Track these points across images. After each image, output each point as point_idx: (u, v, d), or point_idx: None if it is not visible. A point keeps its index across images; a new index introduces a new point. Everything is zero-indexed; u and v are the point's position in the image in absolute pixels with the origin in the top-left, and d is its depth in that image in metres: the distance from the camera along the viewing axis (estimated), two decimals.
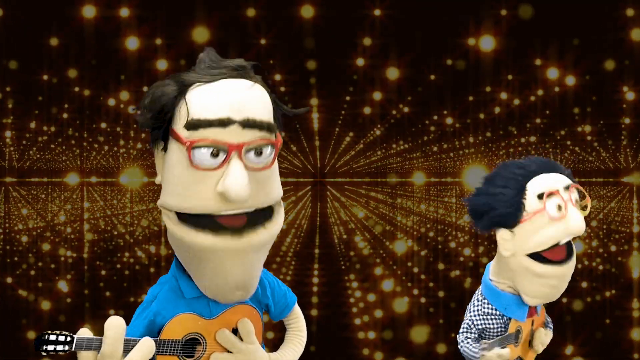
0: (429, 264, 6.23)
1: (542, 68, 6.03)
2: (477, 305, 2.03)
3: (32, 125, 7.72)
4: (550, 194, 1.85)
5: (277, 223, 1.39)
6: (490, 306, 2.00)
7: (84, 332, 1.29)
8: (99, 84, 6.41)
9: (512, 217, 1.90)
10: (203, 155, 1.27)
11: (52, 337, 1.27)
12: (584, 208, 1.90)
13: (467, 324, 2.02)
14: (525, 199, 1.89)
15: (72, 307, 4.67)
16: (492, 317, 2.00)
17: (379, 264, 6.24)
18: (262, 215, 1.36)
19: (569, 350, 3.85)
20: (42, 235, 7.81)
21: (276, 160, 1.39)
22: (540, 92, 6.43)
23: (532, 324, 2.03)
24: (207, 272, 1.37)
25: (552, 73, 6.00)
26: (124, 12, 5.17)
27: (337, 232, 8.80)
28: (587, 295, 4.92)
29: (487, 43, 5.84)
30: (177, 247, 1.41)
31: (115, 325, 1.28)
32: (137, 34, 5.40)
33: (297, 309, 1.67)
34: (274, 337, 1.70)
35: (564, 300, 4.70)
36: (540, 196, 1.86)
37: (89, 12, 5.26)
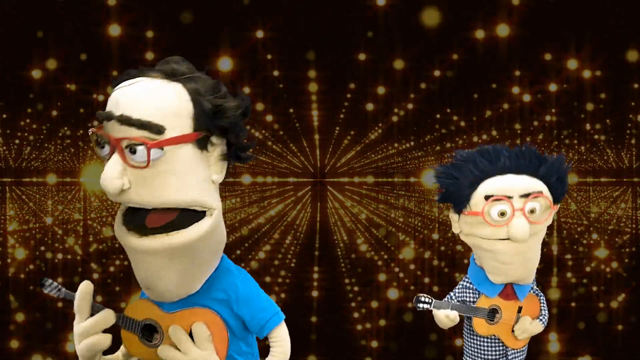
0: (432, 268, 6.15)
1: (553, 62, 5.93)
2: (462, 281, 2.22)
3: (24, 123, 7.66)
4: (497, 199, 1.93)
5: (188, 233, 1.40)
6: (469, 281, 2.19)
7: (83, 287, 1.50)
8: (88, 80, 6.32)
9: (458, 206, 2.06)
10: (97, 144, 1.40)
11: (48, 282, 1.55)
12: (532, 211, 1.93)
13: (449, 294, 2.23)
14: (472, 195, 2.00)
15: (61, 312, 4.58)
16: (469, 290, 2.18)
17: (380, 266, 6.16)
18: (187, 222, 1.41)
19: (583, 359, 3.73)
20: (34, 237, 7.73)
21: (184, 163, 1.40)
22: (552, 88, 6.30)
23: (519, 311, 2.12)
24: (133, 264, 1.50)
25: (572, 64, 5.88)
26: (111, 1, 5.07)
27: (338, 232, 8.74)
28: (599, 301, 4.84)
29: (495, 35, 5.73)
30: None
31: (82, 288, 1.49)
32: (120, 23, 5.31)
33: (281, 331, 1.60)
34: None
35: (573, 304, 4.61)
36: (487, 197, 1.95)
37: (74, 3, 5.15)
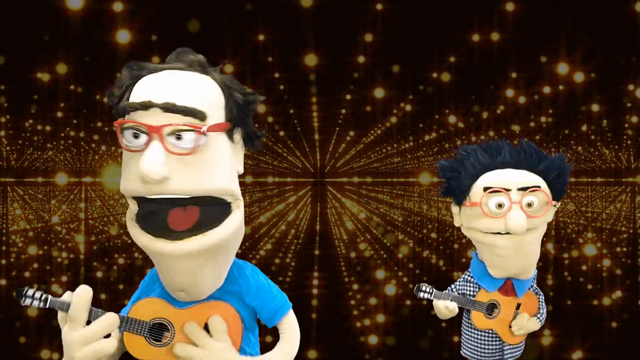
0: (431, 266, 6.19)
1: (549, 65, 5.98)
2: (464, 275, 2.23)
3: (27, 124, 7.69)
4: (494, 192, 1.96)
5: (223, 230, 1.39)
6: (471, 275, 2.19)
7: (65, 296, 1.42)
8: (93, 81, 6.36)
9: (458, 198, 2.08)
10: (128, 136, 1.33)
11: (30, 292, 1.40)
12: (529, 205, 1.95)
13: (450, 287, 2.23)
14: (472, 187, 2.03)
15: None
16: (470, 284, 2.18)
17: (379, 265, 6.18)
18: (213, 219, 1.38)
19: (576, 355, 3.79)
20: (38, 236, 7.73)
21: (218, 151, 1.39)
22: (547, 90, 6.36)
23: (518, 308, 2.15)
24: (158, 268, 1.45)
25: (562, 68, 5.94)
26: (117, 6, 5.11)
27: (337, 232, 8.75)
28: (593, 298, 4.88)
29: (490, 41, 5.80)
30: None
31: (80, 293, 1.40)
32: (129, 29, 5.35)
33: (289, 317, 1.61)
34: (272, 341, 1.61)
35: (569, 302, 4.64)
36: (486, 189, 1.98)
37: (76, 3, 5.19)
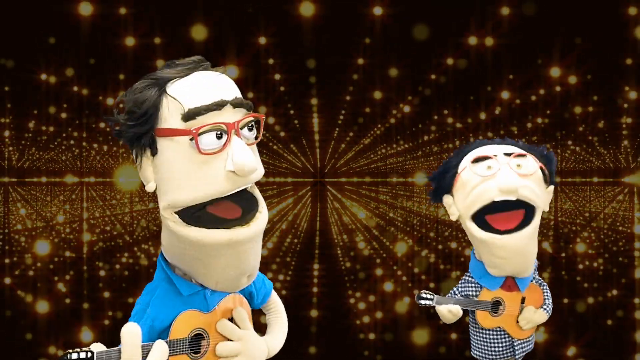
0: (429, 265, 6.23)
1: (544, 67, 6.05)
2: (464, 276, 2.21)
3: (31, 125, 7.73)
4: (483, 158, 1.96)
5: (264, 206, 1.45)
6: (471, 275, 2.17)
7: (100, 346, 1.32)
8: (98, 83, 6.41)
9: (449, 180, 2.06)
10: (209, 139, 1.32)
11: (74, 356, 1.28)
12: (518, 166, 1.92)
13: (452, 289, 2.21)
14: (459, 166, 2.03)
15: (70, 308, 4.66)
16: (471, 284, 2.16)
17: (379, 264, 6.21)
18: (248, 202, 1.41)
19: (571, 351, 3.84)
20: (41, 236, 7.77)
21: None
22: (542, 92, 6.43)
23: (523, 302, 2.12)
24: (219, 267, 1.41)
25: (555, 72, 6.01)
26: (122, 10, 5.18)
27: (337, 231, 8.77)
28: (589, 296, 4.91)
29: (485, 42, 5.87)
30: (182, 249, 1.41)
31: (131, 332, 1.30)
32: (134, 33, 5.41)
33: (274, 294, 1.73)
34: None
35: (565, 300, 4.65)
36: (474, 160, 1.98)
37: (85, 9, 5.25)
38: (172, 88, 1.36)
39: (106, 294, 4.89)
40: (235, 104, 1.35)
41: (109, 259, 6.30)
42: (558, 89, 6.34)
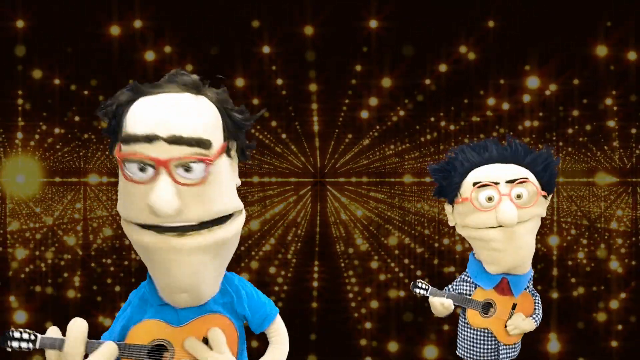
0: (424, 260, 6.27)
1: (526, 76, 6.22)
2: (462, 275, 2.24)
3: (44, 127, 7.82)
4: (483, 186, 1.95)
5: (228, 229, 1.37)
6: (468, 275, 2.20)
7: (52, 332, 1.32)
8: (115, 90, 6.55)
9: (450, 196, 2.09)
10: (133, 168, 1.27)
11: (17, 335, 1.29)
12: (519, 196, 1.93)
13: (448, 286, 2.24)
14: (462, 184, 2.03)
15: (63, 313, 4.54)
16: (466, 283, 2.18)
17: (377, 261, 6.30)
18: (215, 222, 1.35)
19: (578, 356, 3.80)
20: (34, 237, 7.74)
21: (222, 173, 1.36)
22: (526, 98, 6.61)
23: (514, 308, 2.12)
24: (156, 271, 1.37)
25: (533, 82, 6.21)
26: (137, 23, 5.36)
27: (337, 230, 8.83)
28: (599, 301, 4.80)
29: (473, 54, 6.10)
30: (135, 247, 1.40)
31: (76, 326, 1.30)
32: (152, 46, 5.57)
33: (278, 322, 1.64)
34: (258, 346, 1.64)
35: (573, 305, 4.63)
36: (475, 184, 1.97)
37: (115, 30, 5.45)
38: (135, 104, 1.32)
39: (99, 298, 4.77)
40: (171, 141, 1.25)
41: (102, 260, 6.28)
42: (548, 92, 6.53)
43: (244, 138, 1.48)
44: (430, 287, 2.10)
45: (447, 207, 2.13)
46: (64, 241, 7.31)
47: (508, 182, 1.94)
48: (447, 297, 2.09)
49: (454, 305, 2.12)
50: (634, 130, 7.30)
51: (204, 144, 1.28)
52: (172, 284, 1.36)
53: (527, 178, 1.96)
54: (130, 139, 1.26)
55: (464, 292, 2.17)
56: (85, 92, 6.78)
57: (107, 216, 9.83)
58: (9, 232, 7.73)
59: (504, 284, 2.10)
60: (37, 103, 6.87)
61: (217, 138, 1.35)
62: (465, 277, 2.19)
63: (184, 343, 1.40)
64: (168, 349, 1.41)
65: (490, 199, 1.94)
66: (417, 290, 2.09)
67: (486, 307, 2.12)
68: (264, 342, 1.66)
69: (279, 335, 1.62)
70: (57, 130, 7.69)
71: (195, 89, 1.36)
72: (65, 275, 5.46)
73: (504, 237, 1.96)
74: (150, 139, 1.24)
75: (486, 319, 2.12)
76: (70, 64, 6.12)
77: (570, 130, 7.54)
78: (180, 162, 1.27)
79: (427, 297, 2.12)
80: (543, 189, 2.01)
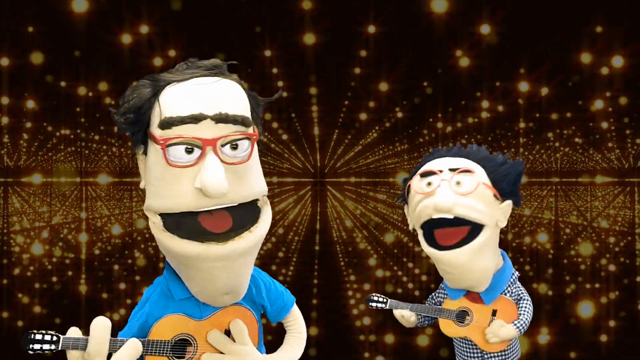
0: (422, 259, 6.20)
1: (518, 81, 6.33)
2: (442, 282, 2.15)
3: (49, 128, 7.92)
4: (428, 173, 1.90)
5: (263, 225, 1.36)
6: (443, 283, 2.14)
7: (72, 332, 1.28)
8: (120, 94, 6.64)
9: (404, 192, 2.03)
10: (178, 152, 1.25)
11: (39, 337, 1.25)
12: (458, 183, 1.86)
13: (431, 294, 2.19)
14: (413, 179, 1.97)
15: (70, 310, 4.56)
16: (442, 290, 2.12)
17: (376, 259, 6.33)
18: (247, 217, 1.33)
19: (573, 354, 3.78)
20: (41, 235, 7.70)
21: (256, 155, 1.37)
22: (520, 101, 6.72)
23: (494, 314, 2.01)
24: (196, 278, 1.35)
25: (524, 86, 6.32)
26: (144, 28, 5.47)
27: (337, 230, 8.83)
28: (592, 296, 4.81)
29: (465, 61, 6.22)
30: (165, 252, 1.37)
31: (100, 325, 1.27)
32: (160, 52, 5.66)
33: (295, 311, 1.62)
34: (272, 339, 1.63)
35: (567, 302, 4.65)
36: (422, 174, 1.93)
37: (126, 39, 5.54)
38: (165, 92, 1.30)
39: (104, 295, 4.74)
40: (218, 119, 1.24)
41: (107, 259, 6.27)
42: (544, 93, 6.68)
43: (261, 124, 1.46)
44: (388, 299, 2.02)
45: (405, 209, 2.05)
46: (69, 240, 7.35)
47: (451, 170, 1.89)
48: (411, 309, 2.03)
49: (427, 316, 2.07)
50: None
51: (247, 121, 1.29)
52: (216, 289, 1.35)
53: (472, 170, 1.89)
54: (174, 122, 1.24)
55: (441, 301, 2.10)
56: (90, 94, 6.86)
57: (108, 216, 9.78)
58: (11, 232, 7.75)
59: (474, 293, 2.00)
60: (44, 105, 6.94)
61: (251, 120, 1.36)
62: (442, 285, 2.11)
63: (207, 336, 1.40)
64: (191, 344, 1.40)
65: (429, 184, 1.89)
66: (373, 305, 2.02)
67: (461, 316, 2.02)
68: (276, 335, 1.67)
69: (297, 323, 1.61)
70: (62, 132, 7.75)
71: (222, 73, 1.36)
72: (70, 273, 5.49)
73: (447, 260, 1.87)
74: (197, 118, 1.23)
75: (463, 328, 2.02)
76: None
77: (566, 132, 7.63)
78: (227, 140, 1.26)
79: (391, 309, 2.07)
80: (504, 197, 1.92)
